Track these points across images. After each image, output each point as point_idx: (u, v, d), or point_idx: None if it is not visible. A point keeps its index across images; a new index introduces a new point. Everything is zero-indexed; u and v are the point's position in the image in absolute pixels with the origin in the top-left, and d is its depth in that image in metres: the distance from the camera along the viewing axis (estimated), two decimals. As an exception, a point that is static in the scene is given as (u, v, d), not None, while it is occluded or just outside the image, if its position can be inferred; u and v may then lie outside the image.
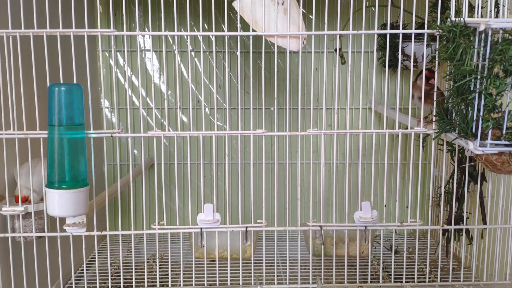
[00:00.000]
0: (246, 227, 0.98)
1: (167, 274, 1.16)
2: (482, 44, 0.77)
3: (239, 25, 0.94)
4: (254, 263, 1.06)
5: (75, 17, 0.88)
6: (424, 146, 1.41)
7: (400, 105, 1.47)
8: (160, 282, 1.02)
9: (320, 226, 0.99)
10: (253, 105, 1.01)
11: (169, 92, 1.55)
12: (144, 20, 1.51)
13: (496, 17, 0.93)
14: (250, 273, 1.05)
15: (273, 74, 1.53)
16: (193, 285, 1.06)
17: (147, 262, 1.35)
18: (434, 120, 0.94)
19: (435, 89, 0.99)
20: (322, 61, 1.52)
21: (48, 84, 0.86)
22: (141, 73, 1.52)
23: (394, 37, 1.31)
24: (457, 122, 0.85)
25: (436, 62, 0.95)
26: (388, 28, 0.95)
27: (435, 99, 0.96)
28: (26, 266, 0.97)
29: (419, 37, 1.21)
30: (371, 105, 1.49)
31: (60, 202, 0.85)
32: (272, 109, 1.54)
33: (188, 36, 0.90)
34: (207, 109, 1.55)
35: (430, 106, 1.02)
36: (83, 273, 1.23)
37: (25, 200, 0.96)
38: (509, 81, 0.75)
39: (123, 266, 1.16)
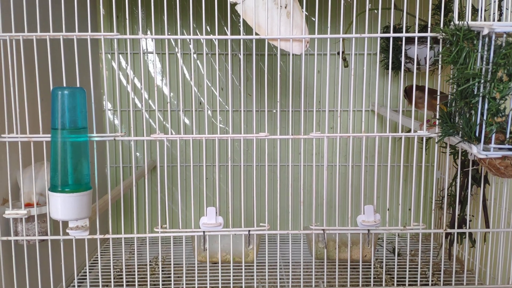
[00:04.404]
0: (249, 231, 0.98)
1: (170, 277, 1.16)
2: (486, 48, 0.77)
3: (241, 28, 0.94)
4: (256, 266, 1.06)
5: (78, 20, 0.88)
6: (427, 148, 1.41)
7: (402, 107, 1.47)
8: (162, 285, 1.02)
9: (323, 229, 0.99)
10: (255, 107, 1.01)
11: (172, 94, 1.55)
12: (147, 22, 1.52)
13: (499, 19, 0.93)
14: (253, 276, 1.05)
15: (276, 77, 1.53)
16: (196, 288, 1.06)
17: (150, 265, 1.35)
18: (436, 123, 0.94)
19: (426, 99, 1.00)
20: (325, 64, 1.52)
21: (51, 88, 0.86)
22: (143, 75, 1.52)
23: (397, 39, 1.31)
24: (461, 126, 0.85)
25: (440, 66, 0.95)
26: (391, 31, 0.95)
27: (425, 107, 0.96)
28: (29, 269, 0.97)
29: (422, 40, 1.21)
30: (374, 108, 1.49)
31: (63, 206, 0.85)
32: (275, 111, 1.54)
33: (191, 39, 0.90)
34: (209, 112, 1.55)
35: (422, 110, 1.02)
36: (85, 276, 1.23)
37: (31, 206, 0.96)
38: (512, 85, 0.75)
39: (125, 269, 1.16)
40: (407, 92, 1.22)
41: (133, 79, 1.55)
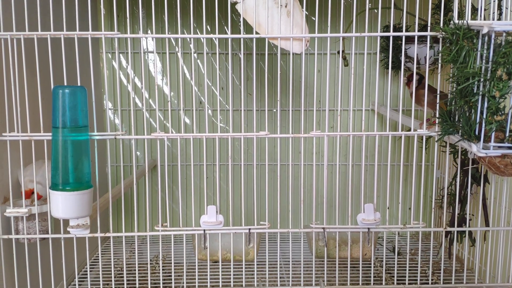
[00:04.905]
0: (249, 229, 0.99)
1: (170, 276, 1.16)
2: (485, 47, 0.77)
3: (242, 27, 0.94)
4: (257, 265, 1.06)
5: (78, 19, 0.88)
6: (427, 147, 1.41)
7: (402, 106, 1.47)
8: (163, 283, 1.02)
9: (323, 228, 0.99)
10: (255, 106, 1.01)
11: (172, 93, 1.56)
12: (147, 22, 1.52)
13: (499, 18, 0.93)
14: (253, 275, 1.06)
15: (276, 76, 1.53)
16: (196, 287, 1.06)
17: (150, 264, 1.35)
18: (436, 122, 0.94)
19: (426, 92, 1.00)
20: (325, 63, 1.53)
21: (52, 86, 0.87)
22: (144, 74, 1.52)
23: (396, 39, 1.31)
24: (460, 125, 0.85)
25: (439, 65, 0.95)
26: (391, 30, 0.95)
27: (425, 101, 0.97)
28: (30, 268, 0.98)
29: (422, 39, 1.21)
30: (374, 107, 1.49)
31: (64, 204, 0.86)
32: (275, 110, 1.55)
33: (192, 38, 0.90)
34: (209, 111, 1.55)
35: (421, 107, 1.03)
36: (86, 274, 1.23)
37: (31, 193, 0.96)
38: (512, 84, 0.75)
39: (126, 267, 1.17)
40: (409, 80, 1.22)
41: (134, 79, 1.55)
